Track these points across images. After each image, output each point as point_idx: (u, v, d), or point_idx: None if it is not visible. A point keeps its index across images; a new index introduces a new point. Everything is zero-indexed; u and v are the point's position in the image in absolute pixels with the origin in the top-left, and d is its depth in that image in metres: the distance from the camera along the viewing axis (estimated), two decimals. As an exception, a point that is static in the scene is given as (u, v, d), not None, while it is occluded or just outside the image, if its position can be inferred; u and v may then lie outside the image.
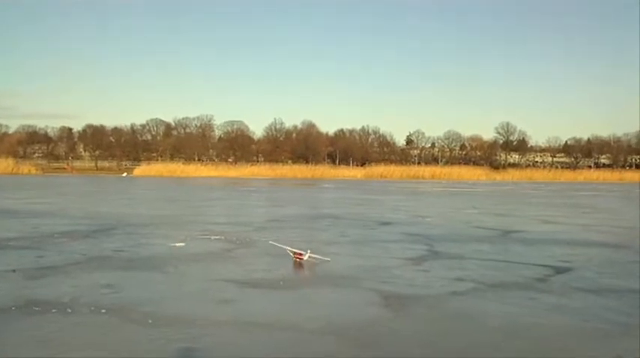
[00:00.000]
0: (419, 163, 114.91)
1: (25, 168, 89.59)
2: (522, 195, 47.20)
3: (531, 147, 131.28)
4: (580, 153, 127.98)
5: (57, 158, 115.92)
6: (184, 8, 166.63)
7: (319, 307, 9.08)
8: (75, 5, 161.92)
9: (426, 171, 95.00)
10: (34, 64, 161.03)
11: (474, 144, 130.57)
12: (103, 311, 8.44)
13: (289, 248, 13.72)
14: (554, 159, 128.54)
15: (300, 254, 13.22)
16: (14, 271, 11.23)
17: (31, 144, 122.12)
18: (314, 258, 12.98)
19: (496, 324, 8.24)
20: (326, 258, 13.07)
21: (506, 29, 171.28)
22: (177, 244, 15.11)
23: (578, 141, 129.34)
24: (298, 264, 12.83)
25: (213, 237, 16.58)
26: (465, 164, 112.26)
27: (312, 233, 18.68)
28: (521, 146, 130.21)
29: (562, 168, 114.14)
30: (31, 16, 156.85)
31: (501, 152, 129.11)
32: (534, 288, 10.57)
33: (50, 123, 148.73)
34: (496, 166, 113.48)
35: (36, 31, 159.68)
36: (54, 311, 8.42)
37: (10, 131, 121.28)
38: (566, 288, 10.60)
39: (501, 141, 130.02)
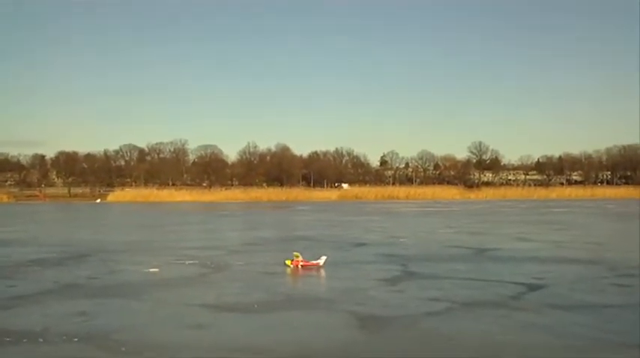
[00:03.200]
0: (393, 183, 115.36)
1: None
2: (496, 213, 47.45)
3: (504, 165, 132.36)
4: (552, 170, 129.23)
5: (29, 185, 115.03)
6: (156, 32, 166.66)
7: (293, 330, 9.07)
8: (46, 28, 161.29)
9: (400, 191, 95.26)
10: (6, 90, 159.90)
11: (447, 164, 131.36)
12: (76, 339, 8.38)
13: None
14: (527, 176, 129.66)
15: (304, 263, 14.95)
16: (-15, 301, 11.13)
17: (3, 172, 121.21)
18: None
19: (471, 343, 8.28)
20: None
21: (478, 48, 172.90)
22: (152, 270, 15.05)
23: (549, 158, 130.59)
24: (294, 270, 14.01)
25: (187, 262, 16.53)
26: (439, 183, 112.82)
27: (286, 255, 18.63)
28: (494, 164, 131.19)
29: (535, 185, 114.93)
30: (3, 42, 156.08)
31: (475, 171, 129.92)
32: (508, 306, 10.64)
33: (22, 150, 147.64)
34: (470, 185, 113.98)
35: (6, 56, 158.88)
36: (25, 341, 8.35)
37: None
38: (539, 305, 10.68)
39: (474, 160, 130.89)
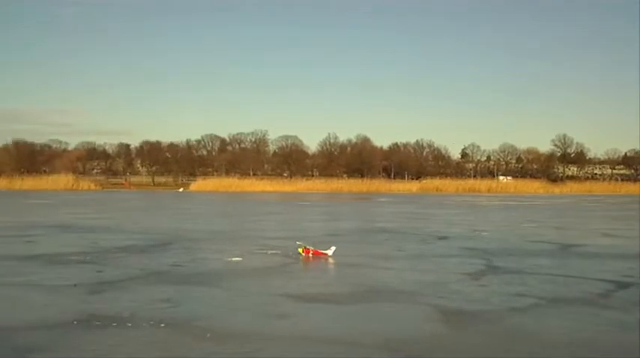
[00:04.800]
0: (474, 177, 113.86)
1: (85, 183, 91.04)
2: (581, 208, 46.45)
3: (590, 159, 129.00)
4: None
5: (115, 174, 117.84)
6: (236, 24, 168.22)
7: (376, 322, 9.01)
8: (134, 22, 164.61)
9: (482, 184, 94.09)
10: (94, 82, 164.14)
11: (530, 157, 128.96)
12: (162, 325, 8.49)
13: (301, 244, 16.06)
14: (614, 171, 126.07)
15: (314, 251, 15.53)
16: (75, 286, 11.40)
17: (90, 160, 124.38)
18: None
19: (558, 340, 8.06)
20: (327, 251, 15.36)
21: (563, 37, 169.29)
22: (234, 259, 15.17)
23: (638, 152, 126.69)
24: (306, 258, 14.61)
25: (269, 252, 16.61)
26: (521, 177, 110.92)
27: (368, 247, 18.61)
28: (579, 158, 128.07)
29: (622, 180, 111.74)
30: (93, 36, 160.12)
31: (559, 164, 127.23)
32: (596, 304, 10.35)
33: (108, 139, 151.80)
34: (554, 179, 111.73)
35: (98, 50, 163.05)
36: (114, 325, 8.50)
37: (70, 148, 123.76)
38: (628, 304, 10.37)
39: (558, 154, 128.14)
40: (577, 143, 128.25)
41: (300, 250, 15.99)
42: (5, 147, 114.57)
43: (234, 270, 13.57)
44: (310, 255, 15.66)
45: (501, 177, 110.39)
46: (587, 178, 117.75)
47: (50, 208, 40.53)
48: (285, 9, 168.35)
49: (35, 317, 9.08)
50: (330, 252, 15.80)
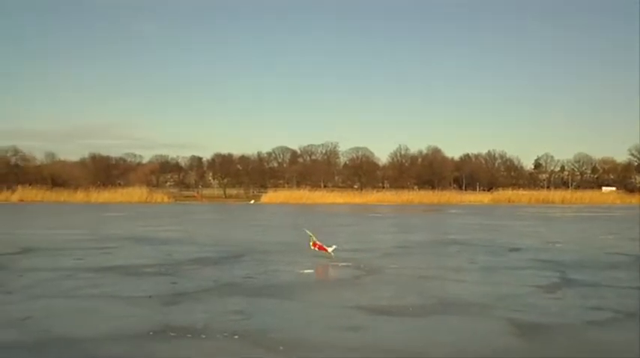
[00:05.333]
0: (548, 187, 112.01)
1: (158, 196, 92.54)
2: (660, 219, 45.23)
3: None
4: None
5: (187, 186, 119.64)
6: (310, 35, 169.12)
7: (448, 334, 8.94)
8: (207, 36, 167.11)
9: (556, 195, 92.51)
10: (164, 96, 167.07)
11: (606, 167, 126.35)
12: (236, 337, 8.57)
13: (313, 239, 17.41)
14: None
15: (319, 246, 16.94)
16: (150, 297, 11.60)
17: (164, 173, 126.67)
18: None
19: (638, 355, 7.87)
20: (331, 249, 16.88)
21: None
22: (306, 271, 15.23)
23: None
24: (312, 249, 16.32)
25: (341, 264, 16.62)
26: (597, 188, 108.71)
27: (439, 259, 18.47)
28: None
29: None
30: (169, 51, 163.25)
31: (636, 175, 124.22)
32: (677, 317, 10.07)
33: (181, 152, 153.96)
34: (631, 189, 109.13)
35: (171, 64, 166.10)
36: (189, 336, 8.62)
37: (144, 161, 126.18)
38: None
39: (636, 163, 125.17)
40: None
41: (310, 243, 17.67)
42: (82, 162, 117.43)
43: (306, 282, 13.62)
44: (316, 248, 17.43)
45: (605, 188, 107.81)
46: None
47: (125, 220, 41.32)
48: (359, 20, 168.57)
49: (112, 328, 9.27)
50: (330, 249, 17.16)
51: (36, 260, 18.09)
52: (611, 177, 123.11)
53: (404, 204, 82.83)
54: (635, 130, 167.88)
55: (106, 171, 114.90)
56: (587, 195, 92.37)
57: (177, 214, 51.44)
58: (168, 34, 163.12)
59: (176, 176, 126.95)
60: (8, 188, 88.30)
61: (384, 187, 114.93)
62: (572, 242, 24.71)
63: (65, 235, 27.48)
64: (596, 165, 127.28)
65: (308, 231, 17.92)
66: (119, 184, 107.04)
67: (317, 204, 79.51)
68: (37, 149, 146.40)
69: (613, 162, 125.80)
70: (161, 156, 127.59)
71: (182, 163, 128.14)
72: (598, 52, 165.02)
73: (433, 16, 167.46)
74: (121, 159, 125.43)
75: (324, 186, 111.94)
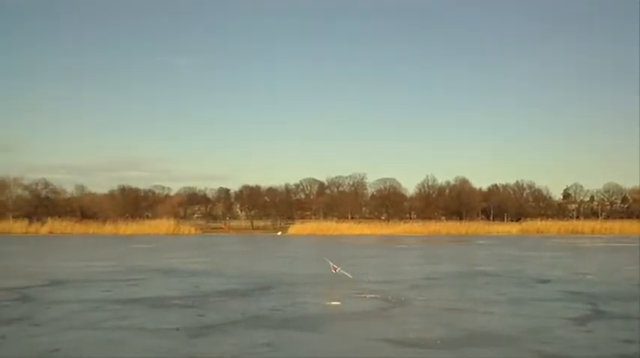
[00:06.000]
0: (577, 218, 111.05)
1: (185, 228, 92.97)
2: (691, 250, 44.59)
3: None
4: None
5: (215, 218, 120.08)
6: (328, 65, 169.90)
7: (478, 368, 8.85)
8: (231, 69, 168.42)
9: (585, 225, 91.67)
10: (193, 128, 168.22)
11: (636, 197, 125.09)
12: (263, 370, 8.56)
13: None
14: None
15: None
16: (178, 329, 11.61)
17: (191, 205, 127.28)
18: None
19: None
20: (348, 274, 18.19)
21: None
22: (333, 303, 15.19)
23: None
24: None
25: (368, 296, 16.56)
26: (627, 218, 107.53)
27: (467, 291, 18.35)
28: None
29: None
30: (190, 85, 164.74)
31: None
32: None
33: (209, 184, 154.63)
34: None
35: (198, 97, 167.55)
36: (215, 369, 8.61)
37: (172, 193, 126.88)
38: None
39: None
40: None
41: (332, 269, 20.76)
42: (111, 194, 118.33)
43: (334, 314, 13.59)
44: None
45: None
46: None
47: (152, 252, 41.50)
48: (384, 46, 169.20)
49: (144, 360, 9.29)
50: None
51: (64, 292, 18.20)
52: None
53: (431, 235, 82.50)
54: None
55: (134, 203, 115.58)
56: (617, 226, 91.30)
57: (205, 246, 51.57)
58: (198, 67, 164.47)
59: (203, 208, 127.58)
60: (38, 220, 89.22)
61: (411, 218, 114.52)
62: (602, 273, 24.43)
63: (93, 267, 27.64)
64: (627, 194, 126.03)
65: (328, 261, 19.33)
66: (147, 216, 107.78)
67: (344, 236, 79.39)
68: (67, 182, 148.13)
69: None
70: (189, 188, 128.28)
71: (210, 195, 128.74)
72: (624, 80, 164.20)
73: (459, 42, 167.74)
74: (149, 191, 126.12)
75: (352, 218, 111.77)
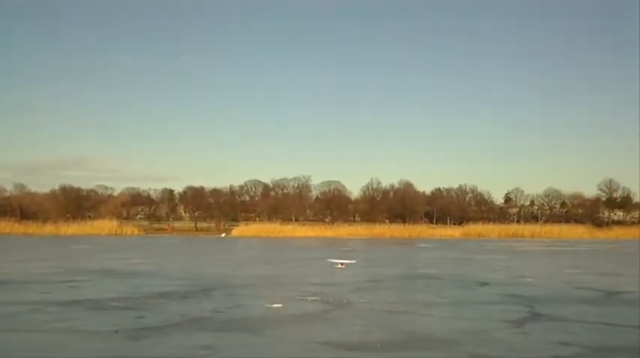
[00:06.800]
0: (518, 222, 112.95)
1: (128, 229, 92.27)
2: (628, 254, 45.60)
3: (636, 203, 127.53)
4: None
5: (158, 219, 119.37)
6: (276, 69, 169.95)
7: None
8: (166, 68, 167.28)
9: (525, 229, 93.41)
10: (137, 128, 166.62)
11: (575, 202, 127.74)
12: (201, 373, 8.50)
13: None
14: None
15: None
16: (117, 332, 11.46)
17: (134, 206, 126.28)
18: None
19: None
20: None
21: (605, 79, 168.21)
22: (275, 305, 15.15)
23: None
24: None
25: (310, 298, 16.56)
26: (566, 222, 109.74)
27: (409, 293, 18.49)
28: (625, 203, 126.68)
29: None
30: (134, 85, 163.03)
31: (604, 209, 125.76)
32: (642, 353, 10.13)
33: (153, 185, 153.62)
34: (599, 224, 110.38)
35: (137, 99, 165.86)
36: (153, 372, 8.52)
37: (115, 193, 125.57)
38: (677, 353, 10.12)
39: (604, 199, 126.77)
40: (623, 187, 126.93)
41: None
42: (52, 193, 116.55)
43: (275, 317, 13.54)
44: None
45: None
46: (633, 223, 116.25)
47: (94, 253, 40.94)
48: (332, 51, 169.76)
49: (76, 363, 9.15)
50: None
51: (1, 294, 17.84)
52: (580, 211, 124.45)
53: (375, 237, 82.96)
54: (604, 166, 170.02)
55: (76, 203, 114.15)
56: (556, 230, 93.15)
57: (147, 247, 51.08)
58: (144, 66, 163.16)
59: (147, 209, 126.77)
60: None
61: (355, 221, 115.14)
62: (541, 276, 24.83)
63: (32, 268, 27.17)
64: (566, 200, 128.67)
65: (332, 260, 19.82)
66: (89, 217, 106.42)
67: (288, 238, 79.34)
68: (6, 181, 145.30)
69: (582, 197, 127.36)
70: (132, 188, 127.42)
71: (153, 196, 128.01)
72: (563, 89, 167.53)
73: (409, 45, 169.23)
74: (91, 191, 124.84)
75: (296, 220, 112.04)
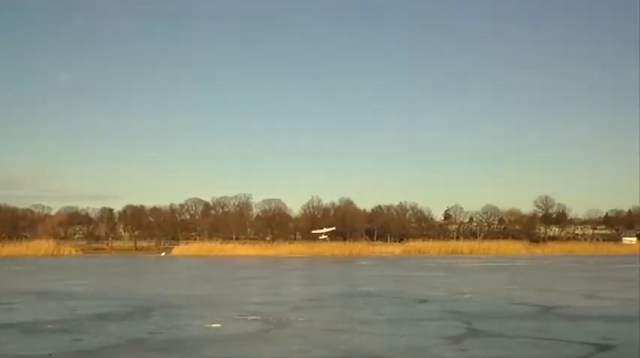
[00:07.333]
0: (457, 238, 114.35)
1: (66, 249, 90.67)
2: (564, 269, 46.46)
3: (571, 219, 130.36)
4: (621, 225, 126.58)
5: (97, 239, 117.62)
6: (215, 86, 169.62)
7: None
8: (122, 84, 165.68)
9: (464, 246, 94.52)
10: (76, 146, 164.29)
11: (512, 218, 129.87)
12: (138, 395, 8.40)
13: None
14: (595, 231, 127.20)
15: None
16: (50, 355, 11.25)
17: (72, 225, 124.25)
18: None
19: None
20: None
21: (539, 98, 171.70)
22: (214, 325, 15.05)
23: (619, 213, 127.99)
24: None
25: (249, 318, 16.49)
26: (503, 238, 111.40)
27: (349, 311, 18.53)
28: (560, 219, 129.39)
29: (603, 240, 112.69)
30: (81, 99, 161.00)
31: (541, 225, 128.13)
32: (576, 367, 10.33)
33: (91, 204, 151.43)
34: (536, 240, 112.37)
35: (84, 112, 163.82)
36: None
37: (52, 212, 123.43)
38: (609, 367, 10.35)
39: (540, 215, 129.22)
40: (559, 203, 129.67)
41: None
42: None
43: (214, 337, 13.45)
44: None
45: (626, 239, 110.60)
46: (568, 239, 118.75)
47: (30, 274, 40.14)
48: (267, 67, 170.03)
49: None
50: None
51: None
52: (517, 227, 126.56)
53: (316, 255, 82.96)
54: (541, 182, 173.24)
55: (11, 223, 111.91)
56: (494, 246, 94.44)
57: (86, 267, 50.29)
58: (80, 83, 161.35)
59: (85, 228, 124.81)
60: None
61: (296, 239, 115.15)
62: (479, 292, 25.11)
63: (-35, 290, 26.52)
64: (503, 216, 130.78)
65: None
66: (25, 237, 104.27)
67: (229, 257, 78.89)
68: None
69: (519, 213, 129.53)
70: (70, 207, 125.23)
71: (92, 215, 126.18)
72: (497, 107, 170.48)
73: (354, 60, 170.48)
74: (27, 210, 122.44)
75: (237, 239, 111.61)
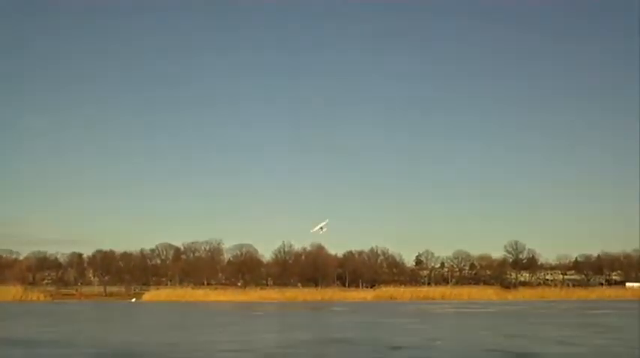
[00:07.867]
0: (429, 284, 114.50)
1: (34, 294, 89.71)
2: (534, 315, 46.62)
3: (541, 264, 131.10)
4: (591, 270, 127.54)
5: (66, 284, 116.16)
6: (184, 134, 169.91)
7: None
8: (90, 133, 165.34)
9: (436, 291, 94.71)
10: (44, 191, 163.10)
11: (483, 264, 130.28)
12: None
13: None
14: (565, 276, 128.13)
15: None
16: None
17: (41, 270, 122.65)
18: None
19: None
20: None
21: (509, 144, 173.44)
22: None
23: (588, 257, 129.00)
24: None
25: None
26: (475, 284, 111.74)
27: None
28: (531, 264, 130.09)
29: (573, 285, 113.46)
30: (52, 145, 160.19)
31: (511, 271, 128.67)
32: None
33: (61, 249, 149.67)
34: (507, 285, 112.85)
35: (55, 159, 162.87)
36: None
37: (21, 257, 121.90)
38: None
39: (511, 260, 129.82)
40: (529, 249, 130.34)
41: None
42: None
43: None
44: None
45: (629, 284, 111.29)
46: (539, 284, 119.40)
47: (-3, 321, 39.58)
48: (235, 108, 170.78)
49: None
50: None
51: None
52: (488, 273, 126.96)
53: (287, 301, 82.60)
54: (511, 228, 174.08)
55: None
56: (466, 292, 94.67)
57: (55, 314, 49.67)
58: (53, 128, 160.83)
59: (54, 273, 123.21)
60: None
61: (267, 284, 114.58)
62: (452, 339, 25.15)
63: None
64: (474, 261, 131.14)
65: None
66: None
67: (200, 302, 78.31)
68: None
69: (489, 258, 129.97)
70: (39, 252, 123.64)
71: (61, 260, 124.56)
72: (466, 151, 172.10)
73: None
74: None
75: (208, 284, 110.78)
